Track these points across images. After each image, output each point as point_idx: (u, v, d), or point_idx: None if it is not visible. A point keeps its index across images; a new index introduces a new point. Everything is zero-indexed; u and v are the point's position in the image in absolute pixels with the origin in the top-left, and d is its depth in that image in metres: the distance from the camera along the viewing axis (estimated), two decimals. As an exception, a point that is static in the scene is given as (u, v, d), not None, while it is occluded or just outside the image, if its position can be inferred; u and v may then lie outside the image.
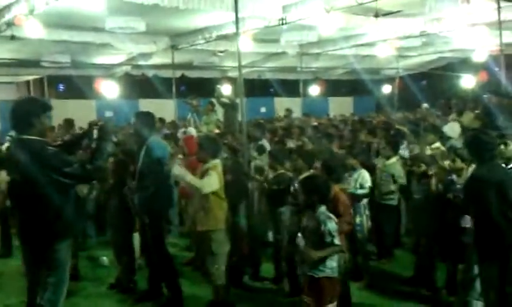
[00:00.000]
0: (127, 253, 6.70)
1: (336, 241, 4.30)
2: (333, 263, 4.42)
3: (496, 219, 4.45)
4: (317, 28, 15.06)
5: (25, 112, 4.02)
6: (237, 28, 7.15)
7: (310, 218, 4.43)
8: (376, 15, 12.09)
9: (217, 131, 13.89)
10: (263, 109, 23.09)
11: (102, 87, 20.60)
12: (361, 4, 11.87)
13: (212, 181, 5.33)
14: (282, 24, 13.86)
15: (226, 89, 18.06)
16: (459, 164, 5.74)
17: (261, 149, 8.43)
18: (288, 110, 17.63)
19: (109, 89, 20.63)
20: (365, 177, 6.64)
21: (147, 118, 6.22)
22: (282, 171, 6.35)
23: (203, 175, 5.39)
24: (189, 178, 5.28)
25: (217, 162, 5.56)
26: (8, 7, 11.49)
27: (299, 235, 4.48)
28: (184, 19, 13.89)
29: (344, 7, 12.62)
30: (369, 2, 11.72)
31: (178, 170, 5.23)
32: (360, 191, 6.54)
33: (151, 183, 5.77)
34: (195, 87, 21.35)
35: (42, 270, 4.08)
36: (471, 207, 4.91)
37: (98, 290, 6.79)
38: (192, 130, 12.86)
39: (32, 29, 12.10)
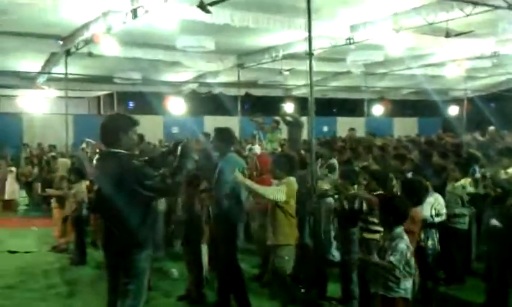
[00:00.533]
0: (197, 265, 6.83)
1: (395, 261, 4.25)
2: (407, 284, 4.36)
3: None
4: (384, 47, 14.98)
5: (114, 128, 4.22)
6: (310, 48, 7.21)
7: (386, 238, 4.41)
8: (447, 35, 11.87)
9: (280, 149, 13.99)
10: (325, 128, 23.07)
11: (169, 103, 21.24)
12: (431, 24, 11.73)
13: (278, 191, 5.41)
14: (349, 44, 13.89)
15: (289, 108, 18.24)
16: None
17: (332, 168, 8.40)
18: (352, 129, 17.49)
19: (176, 106, 21.26)
20: (441, 202, 6.44)
21: (226, 134, 6.37)
22: (353, 191, 6.32)
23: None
24: (251, 184, 5.39)
25: (292, 179, 5.62)
26: (86, 25, 12.11)
27: (375, 254, 4.46)
28: (252, 38, 14.18)
29: (414, 27, 12.51)
30: (440, 22, 11.57)
31: (240, 177, 5.35)
32: (437, 219, 6.36)
33: (228, 197, 5.91)
34: (259, 105, 21.60)
35: (122, 277, 4.25)
36: None
37: (167, 301, 6.92)
38: (257, 148, 13.03)
39: (108, 47, 12.70)
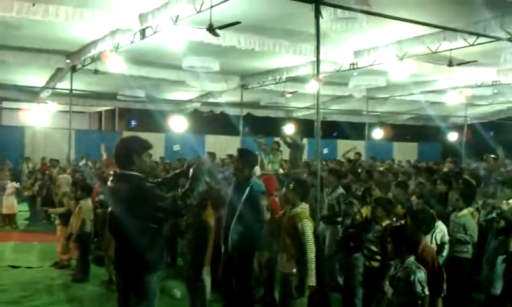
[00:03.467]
0: (200, 286, 6.85)
1: (426, 291, 4.32)
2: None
3: None
4: (386, 73, 15.15)
5: (128, 150, 4.30)
6: (318, 72, 7.35)
7: (398, 267, 4.47)
8: (450, 64, 12.04)
9: (281, 171, 14.07)
10: (325, 151, 23.16)
11: (171, 121, 21.36)
12: (434, 52, 11.91)
13: (311, 236, 5.34)
14: (353, 69, 14.06)
15: (290, 129, 18.34)
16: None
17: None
18: (358, 154, 17.56)
19: (178, 124, 21.36)
20: (443, 230, 6.51)
21: (250, 157, 6.42)
22: (358, 217, 6.40)
23: (292, 220, 5.42)
24: (309, 237, 5.28)
25: (306, 207, 5.61)
26: (94, 43, 12.24)
27: (387, 283, 4.51)
28: (256, 60, 14.33)
29: (417, 55, 12.68)
30: (443, 51, 11.74)
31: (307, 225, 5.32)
32: (445, 252, 6.39)
33: (251, 222, 5.97)
34: (260, 126, 21.73)
35: (133, 298, 4.30)
36: None
37: (170, 321, 6.96)
38: (257, 169, 13.06)
39: (115, 65, 12.83)
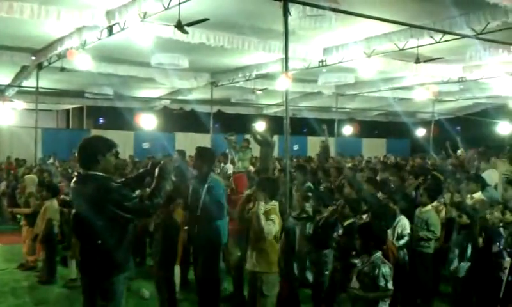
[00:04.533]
0: (169, 286, 6.80)
1: (390, 285, 4.38)
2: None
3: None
4: (355, 70, 15.28)
5: (92, 150, 4.21)
6: (287, 68, 7.35)
7: (364, 262, 4.53)
8: (417, 61, 12.21)
9: (251, 168, 14.07)
10: (296, 147, 23.24)
11: (141, 119, 21.14)
12: (402, 49, 12.06)
13: (275, 228, 5.35)
14: (322, 66, 14.14)
15: (261, 126, 18.34)
16: (508, 216, 5.75)
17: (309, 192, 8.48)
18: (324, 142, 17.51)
19: (148, 122, 21.16)
20: (403, 225, 6.60)
21: (208, 154, 6.41)
22: (326, 214, 6.43)
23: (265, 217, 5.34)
24: (264, 222, 5.27)
25: (276, 204, 5.58)
26: (60, 40, 12.01)
27: (354, 278, 4.57)
28: (226, 57, 14.28)
29: (385, 52, 12.83)
30: (410, 48, 11.90)
31: (261, 211, 5.29)
32: (402, 242, 6.51)
33: (212, 219, 5.99)
34: (230, 123, 21.68)
35: (99, 300, 4.23)
36: None
37: (139, 322, 6.89)
38: (229, 167, 13.07)
39: (82, 62, 12.62)
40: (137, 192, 4.48)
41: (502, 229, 5.85)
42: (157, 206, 4.38)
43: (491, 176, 9.90)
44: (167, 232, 6.63)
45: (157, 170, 4.34)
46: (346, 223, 5.87)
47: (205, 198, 6.03)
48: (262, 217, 5.23)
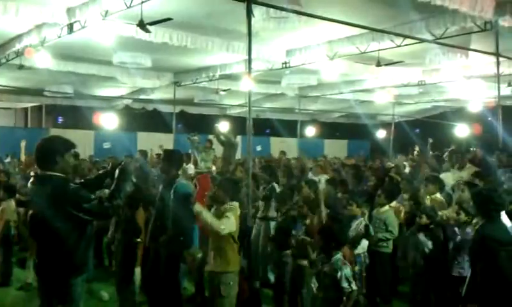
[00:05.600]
0: (129, 288, 6.74)
1: (354, 286, 4.44)
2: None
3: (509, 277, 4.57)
4: (318, 72, 15.42)
5: (50, 150, 4.13)
6: (250, 71, 7.35)
7: (325, 263, 4.57)
8: (378, 64, 12.41)
9: (214, 169, 14.03)
10: (259, 148, 23.33)
11: (101, 118, 20.79)
12: (363, 53, 12.25)
13: (230, 224, 5.34)
14: (285, 68, 14.22)
15: (224, 127, 18.33)
16: (463, 217, 5.91)
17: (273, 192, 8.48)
18: (283, 153, 17.83)
19: (109, 121, 20.82)
20: (363, 224, 6.70)
21: (176, 157, 6.35)
22: (289, 214, 6.48)
23: (219, 216, 5.40)
24: (209, 217, 5.31)
25: (235, 204, 5.58)
26: (19, 37, 11.70)
27: (314, 279, 4.61)
28: (189, 57, 14.19)
29: (347, 55, 12.99)
30: (371, 51, 12.09)
31: (199, 208, 5.32)
32: (359, 249, 6.58)
33: (178, 222, 5.94)
34: (193, 123, 21.56)
35: (56, 303, 4.15)
36: (479, 263, 4.91)
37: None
38: (191, 167, 12.96)
39: (41, 60, 12.35)
40: (97, 193, 4.41)
41: (456, 229, 6.00)
42: (116, 208, 4.33)
43: (448, 178, 10.14)
44: (128, 233, 6.58)
45: (117, 171, 4.29)
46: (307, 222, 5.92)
47: (173, 201, 5.97)
48: (206, 214, 5.25)
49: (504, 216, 5.54)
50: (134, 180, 5.43)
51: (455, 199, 7.57)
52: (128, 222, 6.48)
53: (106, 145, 20.34)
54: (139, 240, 6.49)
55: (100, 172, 4.83)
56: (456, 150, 14.50)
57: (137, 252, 6.62)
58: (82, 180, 4.70)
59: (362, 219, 6.79)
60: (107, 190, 4.34)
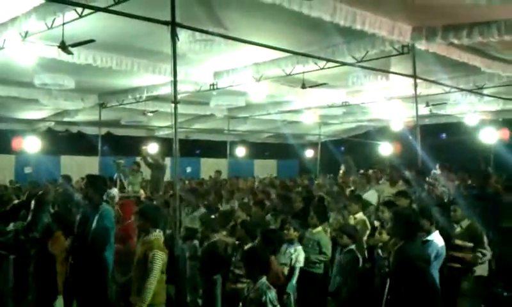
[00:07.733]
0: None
1: None
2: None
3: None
4: (246, 94, 15.58)
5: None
6: (175, 93, 7.28)
7: (251, 288, 4.53)
8: (303, 86, 12.70)
9: (142, 192, 13.75)
10: (189, 169, 23.17)
11: (22, 142, 19.91)
12: (289, 75, 12.50)
13: (158, 267, 5.09)
14: (213, 89, 14.26)
15: (153, 148, 18.05)
16: (384, 236, 6.07)
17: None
18: (218, 172, 17.93)
19: (30, 145, 19.97)
20: (301, 253, 6.71)
21: (99, 183, 6.16)
22: (216, 238, 6.42)
23: (145, 248, 5.18)
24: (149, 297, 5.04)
25: (159, 235, 5.33)
26: None
27: (240, 304, 4.56)
28: (115, 79, 13.92)
29: (273, 77, 13.21)
30: (297, 74, 12.37)
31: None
32: (294, 280, 6.58)
33: (101, 249, 5.77)
34: (120, 145, 21.11)
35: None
36: (403, 286, 4.87)
37: None
38: (115, 191, 12.58)
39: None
40: (11, 225, 4.22)
41: (379, 250, 6.16)
42: (33, 241, 4.16)
43: (373, 196, 10.45)
44: (41, 264, 6.27)
45: (33, 202, 4.12)
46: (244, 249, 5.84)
47: (96, 228, 5.79)
48: (158, 265, 5.07)
49: (436, 234, 5.73)
50: (55, 209, 5.20)
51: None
52: (40, 253, 6.18)
53: (28, 170, 19.52)
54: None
55: (15, 202, 4.63)
56: (380, 168, 15.08)
57: (55, 283, 6.33)
58: (-3, 212, 4.48)
59: (300, 247, 6.78)
60: (23, 222, 4.16)
